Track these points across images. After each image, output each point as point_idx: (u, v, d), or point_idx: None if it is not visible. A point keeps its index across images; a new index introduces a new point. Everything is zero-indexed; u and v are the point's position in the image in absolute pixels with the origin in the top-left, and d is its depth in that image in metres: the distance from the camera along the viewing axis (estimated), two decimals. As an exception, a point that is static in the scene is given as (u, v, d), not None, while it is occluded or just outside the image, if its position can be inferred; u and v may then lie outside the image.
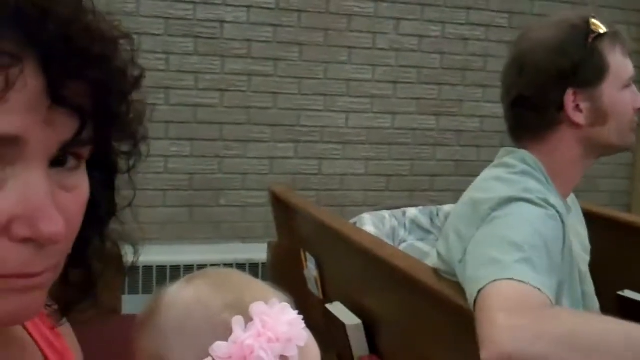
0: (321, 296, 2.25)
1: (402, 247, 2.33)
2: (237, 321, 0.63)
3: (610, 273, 2.32)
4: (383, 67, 3.92)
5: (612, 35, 1.49)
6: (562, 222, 1.40)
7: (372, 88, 3.91)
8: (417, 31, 3.97)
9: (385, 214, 2.47)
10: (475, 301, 1.24)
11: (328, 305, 2.06)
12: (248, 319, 0.64)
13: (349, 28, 3.84)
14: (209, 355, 0.62)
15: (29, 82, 0.51)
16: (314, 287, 2.32)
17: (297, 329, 0.65)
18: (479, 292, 1.23)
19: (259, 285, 0.70)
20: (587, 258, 1.66)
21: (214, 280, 0.70)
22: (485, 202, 1.40)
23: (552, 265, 1.31)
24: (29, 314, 0.58)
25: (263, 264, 3.08)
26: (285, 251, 2.51)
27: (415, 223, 2.44)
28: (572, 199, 1.66)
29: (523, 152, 1.50)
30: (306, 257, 2.35)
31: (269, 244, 2.61)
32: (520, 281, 1.22)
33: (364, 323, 1.94)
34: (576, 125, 1.49)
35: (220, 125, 3.64)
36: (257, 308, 0.64)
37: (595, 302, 1.63)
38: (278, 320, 0.64)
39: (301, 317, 0.67)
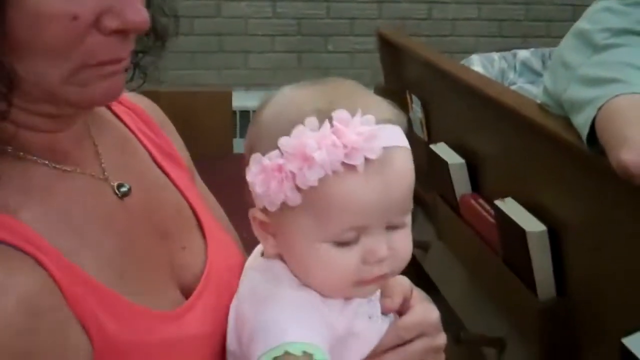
0: (426, 138, 2.25)
1: (511, 89, 2.28)
2: (309, 122, 0.64)
3: None
4: None
5: None
6: None
7: None
8: None
9: (495, 55, 2.41)
10: (594, 119, 1.22)
11: (432, 146, 2.06)
12: (326, 122, 0.64)
13: None
14: (277, 148, 0.64)
15: None
16: (419, 129, 2.31)
17: (371, 142, 0.63)
18: (600, 108, 1.21)
19: (368, 101, 0.68)
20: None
21: (324, 87, 0.70)
22: (597, 32, 1.34)
23: None
24: (115, 94, 0.66)
25: (371, 109, 3.08)
26: (391, 94, 2.49)
27: (525, 65, 2.37)
28: None
29: None
30: (412, 99, 2.34)
31: (375, 87, 2.59)
32: None
33: (467, 163, 1.94)
34: None
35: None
36: (338, 114, 0.64)
37: None
38: (354, 129, 0.63)
39: (401, 139, 0.67)
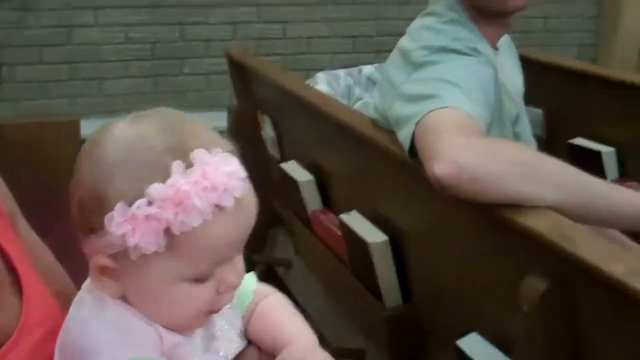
0: (279, 156, 2.28)
1: (357, 105, 2.35)
2: (177, 166, 0.63)
3: (564, 121, 2.35)
4: None
5: None
6: (492, 67, 1.41)
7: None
8: None
9: (341, 72, 2.47)
10: (413, 135, 1.26)
11: (283, 165, 2.09)
12: (188, 164, 0.64)
13: None
14: (144, 196, 0.63)
15: None
16: (272, 148, 2.34)
17: (236, 180, 0.65)
18: (417, 123, 1.25)
19: (205, 131, 0.69)
20: (520, 102, 1.67)
21: (161, 121, 0.69)
22: (416, 50, 1.41)
23: (487, 102, 1.34)
24: None
25: (230, 130, 3.08)
26: (243, 114, 2.51)
27: (371, 80, 2.44)
28: (506, 43, 1.67)
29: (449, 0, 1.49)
30: (263, 119, 2.36)
31: (228, 109, 2.60)
32: (458, 109, 1.23)
33: (317, 179, 1.98)
34: None
35: (180, -9, 3.56)
36: (198, 155, 0.64)
37: (531, 144, 1.66)
38: (218, 169, 0.64)
39: (241, 168, 0.68)
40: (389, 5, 3.92)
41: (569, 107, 2.35)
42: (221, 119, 3.31)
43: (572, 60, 2.47)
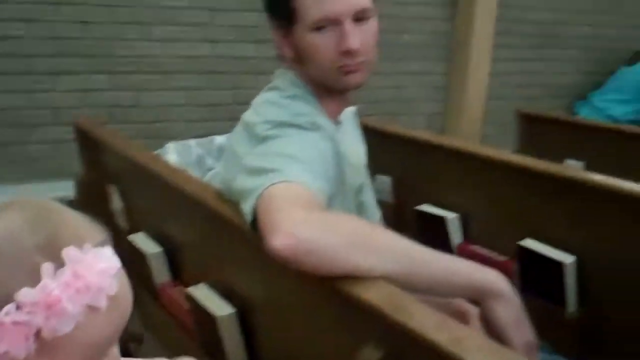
0: (128, 228, 2.22)
1: (208, 175, 2.33)
2: (46, 269, 0.61)
3: (411, 189, 2.43)
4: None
5: None
6: (332, 141, 1.45)
7: (190, 16, 3.82)
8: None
9: (192, 142, 2.46)
10: (255, 208, 1.26)
11: (131, 236, 2.04)
12: (59, 264, 0.62)
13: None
14: (13, 300, 0.60)
15: None
16: (121, 220, 2.28)
17: (108, 278, 0.64)
18: (257, 198, 1.25)
19: (76, 222, 0.68)
20: (364, 172, 1.72)
21: (27, 215, 0.66)
22: (259, 124, 1.42)
23: (327, 175, 1.36)
24: None
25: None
26: (91, 185, 2.45)
27: (222, 150, 2.44)
28: (350, 115, 1.72)
29: (291, 75, 1.53)
30: (111, 190, 2.31)
31: (75, 179, 2.53)
32: (298, 183, 1.25)
33: (166, 251, 1.94)
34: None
35: (28, 58, 3.45)
36: (70, 254, 0.63)
37: (375, 213, 1.71)
38: (90, 268, 0.63)
39: (116, 259, 0.67)
40: (244, 74, 3.97)
41: (416, 174, 2.44)
42: (69, 189, 3.22)
43: (416, 130, 2.57)
